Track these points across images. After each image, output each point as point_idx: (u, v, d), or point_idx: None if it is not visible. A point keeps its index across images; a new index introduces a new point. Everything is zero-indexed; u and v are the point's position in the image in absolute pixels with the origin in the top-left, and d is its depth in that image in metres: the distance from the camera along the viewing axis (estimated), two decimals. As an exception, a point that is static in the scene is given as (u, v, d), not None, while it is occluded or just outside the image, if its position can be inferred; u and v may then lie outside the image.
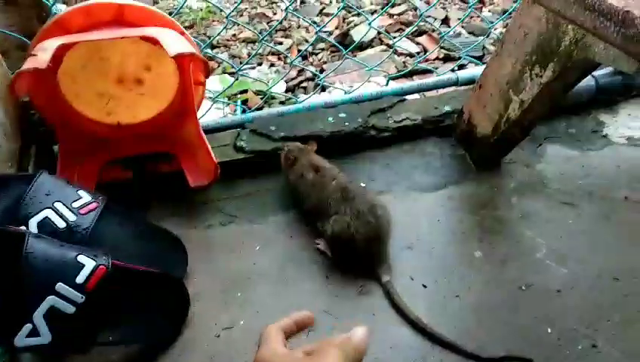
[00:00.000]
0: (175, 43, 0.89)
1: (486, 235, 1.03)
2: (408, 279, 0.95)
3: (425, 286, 0.94)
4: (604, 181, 1.13)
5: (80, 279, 0.70)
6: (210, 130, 1.21)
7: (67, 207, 0.79)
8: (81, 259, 0.72)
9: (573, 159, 1.19)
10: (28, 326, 0.68)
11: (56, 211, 0.78)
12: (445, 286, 0.94)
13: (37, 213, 0.76)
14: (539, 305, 0.91)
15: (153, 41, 0.97)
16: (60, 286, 0.69)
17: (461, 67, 1.62)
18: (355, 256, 0.95)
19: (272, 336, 0.57)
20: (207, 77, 0.96)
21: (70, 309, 0.70)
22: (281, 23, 2.00)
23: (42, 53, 0.84)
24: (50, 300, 0.69)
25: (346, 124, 1.20)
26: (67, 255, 0.71)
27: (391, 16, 2.05)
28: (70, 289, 0.70)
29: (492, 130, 1.08)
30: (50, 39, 0.87)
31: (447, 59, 1.78)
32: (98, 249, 0.76)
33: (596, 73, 1.25)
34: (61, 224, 0.77)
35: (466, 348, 0.84)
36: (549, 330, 0.87)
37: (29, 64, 0.82)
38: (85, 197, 0.82)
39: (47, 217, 0.77)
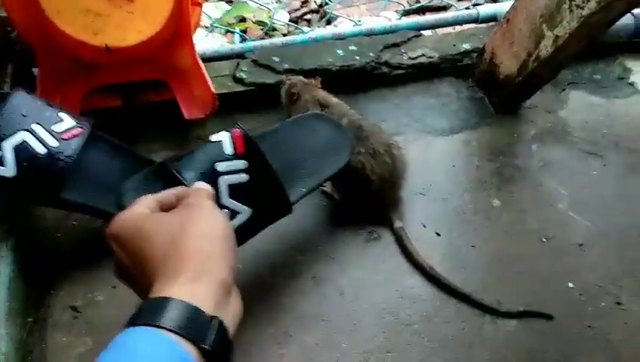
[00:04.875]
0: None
1: (504, 184, 0.95)
2: (420, 226, 0.88)
3: (438, 235, 0.87)
4: (631, 131, 1.06)
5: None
6: (207, 59, 1.10)
7: (47, 131, 0.69)
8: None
9: (597, 107, 1.11)
10: None
11: (35, 134, 0.68)
12: (461, 236, 0.87)
13: (12, 135, 0.67)
14: (560, 258, 0.85)
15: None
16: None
17: (476, 5, 1.51)
18: (367, 198, 0.87)
19: (141, 201, 0.50)
20: (207, -8, 0.84)
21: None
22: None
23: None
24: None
25: (357, 58, 1.09)
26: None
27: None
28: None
29: (518, 69, 0.99)
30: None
31: (462, -4, 1.65)
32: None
33: (636, 11, 1.14)
34: (41, 149, 0.68)
35: (482, 300, 0.79)
36: (571, 285, 0.82)
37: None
38: (68, 120, 0.72)
39: (24, 141, 0.67)
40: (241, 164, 0.66)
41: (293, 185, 0.73)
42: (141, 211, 0.49)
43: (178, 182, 0.62)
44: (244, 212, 0.65)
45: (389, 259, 0.84)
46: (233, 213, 0.64)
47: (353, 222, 0.89)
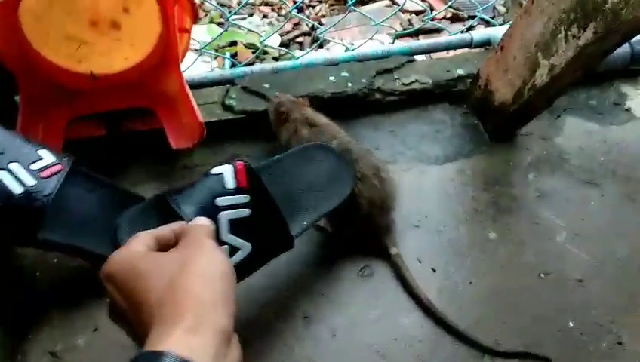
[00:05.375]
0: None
1: (501, 215, 0.93)
2: (415, 261, 0.85)
3: (434, 270, 0.85)
4: (628, 159, 1.04)
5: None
6: (196, 86, 1.08)
7: (25, 169, 0.66)
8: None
9: (593, 133, 1.09)
10: None
11: (12, 173, 0.65)
12: (457, 271, 0.84)
13: (-13, 175, 0.64)
14: (559, 294, 0.82)
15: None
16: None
17: (470, 28, 1.50)
18: (358, 225, 0.84)
19: (138, 238, 0.48)
20: (194, 21, 0.83)
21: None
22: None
23: (-4, -17, 0.70)
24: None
25: (349, 84, 1.07)
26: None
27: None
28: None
29: (513, 97, 0.97)
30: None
31: (455, 19, 1.64)
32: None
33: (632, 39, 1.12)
34: (17, 189, 0.65)
35: (479, 340, 0.76)
36: (571, 324, 0.79)
37: (-22, -5, 0.67)
38: (47, 157, 0.69)
39: (0, 180, 0.64)
40: (242, 198, 0.65)
41: (295, 219, 0.71)
42: (137, 250, 0.47)
43: (177, 217, 0.59)
44: (245, 248, 0.63)
45: (383, 296, 0.81)
46: (233, 249, 0.62)
47: (345, 256, 0.86)
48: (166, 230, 0.52)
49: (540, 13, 0.88)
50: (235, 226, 0.63)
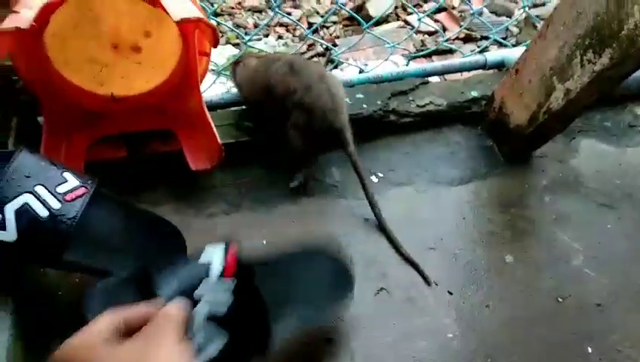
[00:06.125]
0: (179, 6, 0.77)
1: (517, 238, 0.93)
2: (432, 284, 0.85)
3: (451, 294, 0.85)
4: (644, 181, 1.04)
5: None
6: (213, 107, 1.10)
7: (50, 192, 0.67)
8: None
9: (609, 155, 1.09)
10: None
11: (38, 197, 0.66)
12: (473, 295, 0.85)
13: (14, 198, 0.65)
14: (578, 319, 0.82)
15: (153, 2, 0.85)
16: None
17: (481, 50, 1.51)
18: (318, 133, 0.89)
19: (102, 320, 0.46)
20: (214, 46, 0.84)
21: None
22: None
23: (26, 11, 0.72)
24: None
25: (364, 106, 1.08)
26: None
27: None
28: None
29: (528, 120, 0.98)
30: (35, -6, 0.75)
31: (467, 39, 1.66)
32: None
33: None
34: (43, 213, 0.66)
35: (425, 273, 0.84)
36: (590, 349, 0.79)
37: (9, 23, 0.69)
38: (72, 180, 0.70)
39: (26, 203, 0.65)
40: (226, 288, 0.61)
41: (280, 323, 0.67)
42: (96, 336, 0.45)
43: (153, 296, 0.57)
44: (218, 343, 0.58)
45: (399, 318, 0.81)
46: (206, 342, 0.57)
47: (361, 278, 0.86)
48: (136, 312, 0.50)
49: (555, 37, 0.89)
50: (214, 318, 0.59)
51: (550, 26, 0.90)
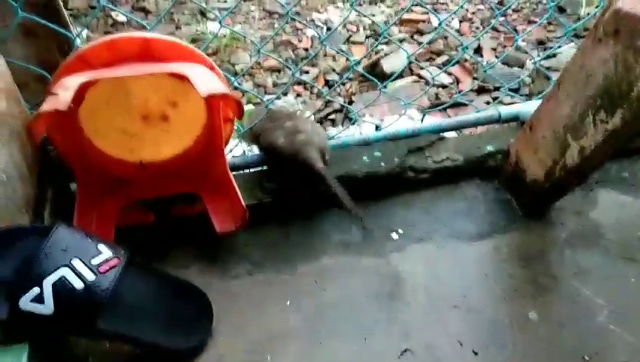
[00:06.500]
0: (206, 81, 0.82)
1: (539, 293, 0.93)
2: (456, 344, 0.86)
3: (476, 354, 0.85)
4: (665, 233, 1.04)
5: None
6: (237, 167, 1.14)
7: (86, 265, 0.71)
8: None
9: (628, 206, 1.10)
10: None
11: (74, 270, 0.70)
12: (498, 353, 0.84)
13: (52, 273, 0.68)
14: (605, 378, 0.81)
15: (181, 77, 0.90)
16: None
17: (494, 99, 1.54)
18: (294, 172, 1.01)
19: None
20: (239, 118, 0.88)
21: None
22: (312, 58, 1.90)
23: (63, 92, 0.77)
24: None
25: (382, 164, 1.11)
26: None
27: (419, 44, 1.97)
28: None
29: (544, 175, 0.99)
30: (72, 75, 0.81)
31: (480, 90, 1.69)
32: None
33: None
34: (79, 284, 0.69)
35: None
36: (619, 411, 0.77)
37: (48, 105, 0.75)
38: (106, 252, 0.74)
39: (63, 276, 0.69)
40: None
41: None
42: None
43: None
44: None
45: (425, 381, 0.82)
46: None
47: (385, 335, 0.87)
48: None
49: (566, 97, 0.91)
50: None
51: (561, 86, 0.93)
